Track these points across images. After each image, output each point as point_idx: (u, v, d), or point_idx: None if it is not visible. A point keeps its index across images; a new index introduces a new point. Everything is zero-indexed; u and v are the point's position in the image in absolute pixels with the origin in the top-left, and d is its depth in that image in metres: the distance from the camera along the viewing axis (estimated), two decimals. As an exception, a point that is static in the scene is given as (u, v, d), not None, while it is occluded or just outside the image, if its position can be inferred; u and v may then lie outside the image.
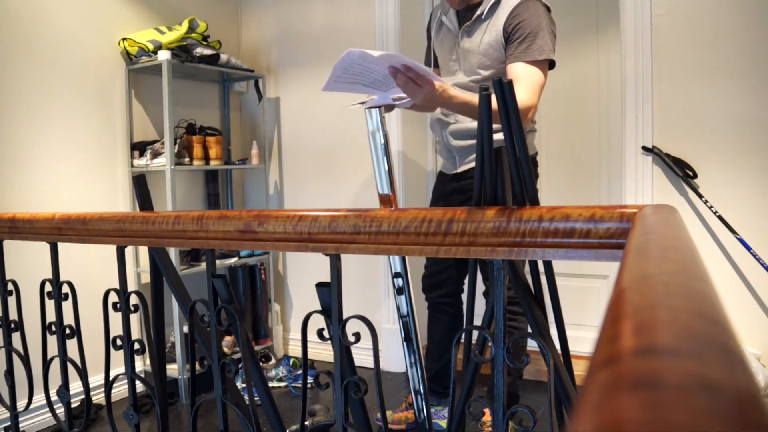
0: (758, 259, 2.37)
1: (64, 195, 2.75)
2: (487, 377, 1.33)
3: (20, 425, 1.98)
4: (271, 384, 3.05)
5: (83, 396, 1.62)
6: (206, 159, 3.16)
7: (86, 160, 2.84)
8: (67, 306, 1.56)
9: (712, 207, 2.44)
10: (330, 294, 1.11)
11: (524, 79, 1.91)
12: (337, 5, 3.32)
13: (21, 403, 1.79)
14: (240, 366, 1.29)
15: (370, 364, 1.20)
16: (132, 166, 3.01)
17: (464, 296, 2.47)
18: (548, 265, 1.04)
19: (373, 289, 3.27)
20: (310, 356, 1.29)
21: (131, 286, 2.93)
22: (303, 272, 3.53)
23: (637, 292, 0.31)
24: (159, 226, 1.23)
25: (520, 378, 2.45)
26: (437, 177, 2.46)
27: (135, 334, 2.25)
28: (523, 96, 1.85)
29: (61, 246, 1.55)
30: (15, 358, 1.77)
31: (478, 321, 1.07)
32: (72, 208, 2.71)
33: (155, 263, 1.45)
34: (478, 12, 2.07)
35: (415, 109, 1.85)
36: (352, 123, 3.27)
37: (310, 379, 2.48)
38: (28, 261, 2.32)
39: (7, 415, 1.84)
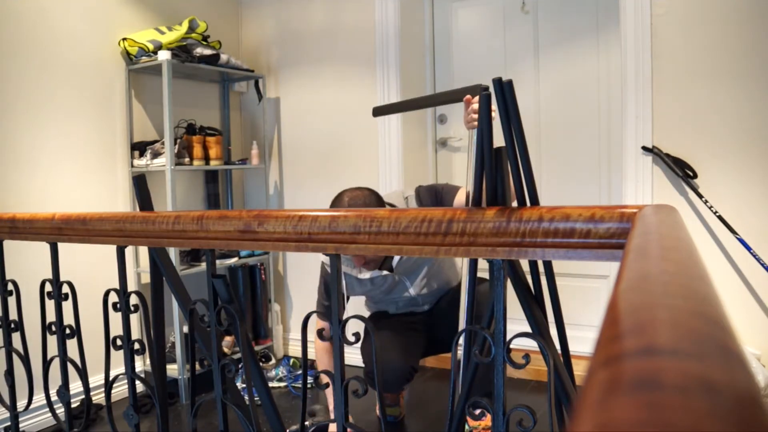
0: (758, 259, 2.37)
1: (64, 195, 2.75)
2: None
3: (20, 425, 1.98)
4: (271, 384, 3.04)
5: (83, 396, 1.62)
6: (206, 159, 3.16)
7: (86, 160, 2.84)
8: (67, 306, 1.56)
9: (712, 207, 2.44)
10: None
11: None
12: (337, 5, 3.32)
13: (21, 403, 1.79)
14: (240, 366, 1.29)
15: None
16: (132, 166, 3.01)
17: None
18: (548, 265, 1.04)
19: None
20: (310, 356, 1.29)
21: (131, 286, 2.93)
22: (303, 272, 3.53)
23: (637, 292, 0.31)
24: (159, 226, 1.23)
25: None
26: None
27: (135, 334, 2.24)
28: None
29: (61, 246, 1.55)
30: (15, 358, 1.77)
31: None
32: (72, 208, 2.71)
33: (155, 263, 1.45)
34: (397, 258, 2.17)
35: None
36: (353, 123, 3.27)
37: (310, 379, 2.48)
38: (28, 261, 2.32)
39: (7, 415, 1.84)
